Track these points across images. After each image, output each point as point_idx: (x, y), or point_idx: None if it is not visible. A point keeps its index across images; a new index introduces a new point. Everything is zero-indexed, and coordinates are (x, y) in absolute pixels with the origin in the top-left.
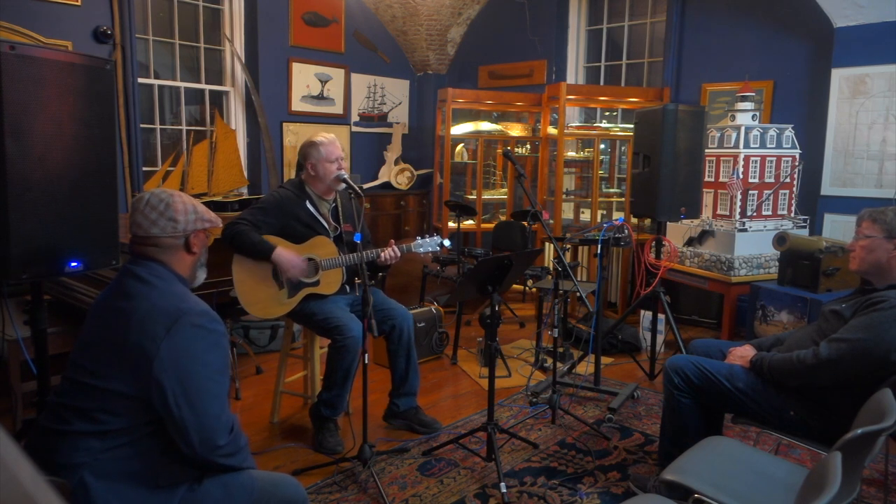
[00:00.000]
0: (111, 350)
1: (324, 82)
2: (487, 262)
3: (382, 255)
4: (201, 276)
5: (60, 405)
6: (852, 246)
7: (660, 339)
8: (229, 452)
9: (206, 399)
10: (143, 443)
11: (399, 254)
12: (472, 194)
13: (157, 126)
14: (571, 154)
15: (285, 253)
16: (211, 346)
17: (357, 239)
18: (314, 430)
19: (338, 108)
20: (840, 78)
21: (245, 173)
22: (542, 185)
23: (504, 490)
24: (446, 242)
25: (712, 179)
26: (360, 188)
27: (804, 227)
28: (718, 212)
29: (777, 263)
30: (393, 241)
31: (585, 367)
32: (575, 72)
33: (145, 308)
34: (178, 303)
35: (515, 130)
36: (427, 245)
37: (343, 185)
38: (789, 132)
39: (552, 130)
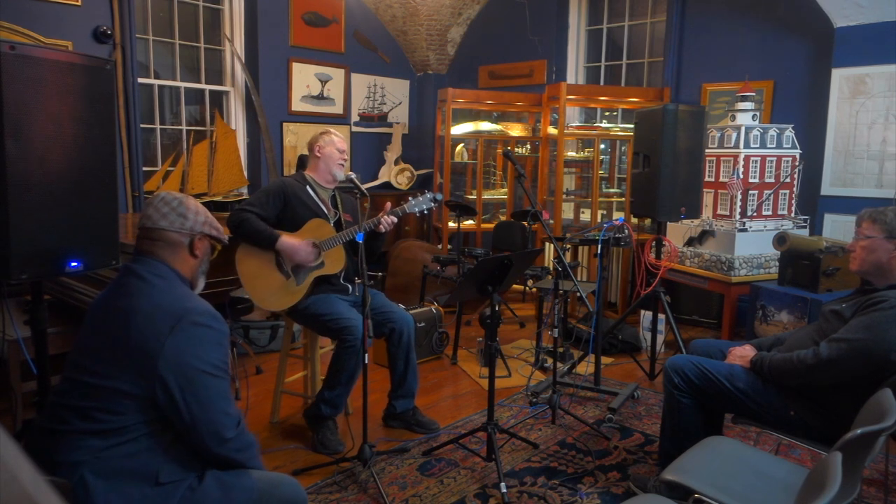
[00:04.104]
0: (113, 349)
1: (324, 82)
2: (487, 262)
3: (381, 225)
4: (200, 284)
5: (60, 405)
6: (852, 246)
7: (660, 339)
8: (239, 447)
9: (213, 395)
10: (143, 441)
11: (395, 219)
12: (472, 194)
13: (157, 126)
14: (571, 154)
15: (289, 240)
16: (214, 344)
17: (359, 238)
18: (313, 431)
19: (338, 108)
20: (840, 78)
21: (245, 173)
22: (542, 185)
23: (504, 490)
24: (439, 196)
25: (712, 179)
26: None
27: (804, 227)
28: (718, 212)
29: (777, 263)
30: (389, 203)
31: (585, 367)
32: (575, 72)
33: (148, 306)
34: (181, 301)
35: (515, 130)
36: (420, 203)
37: (342, 176)
38: (789, 132)
39: (552, 130)
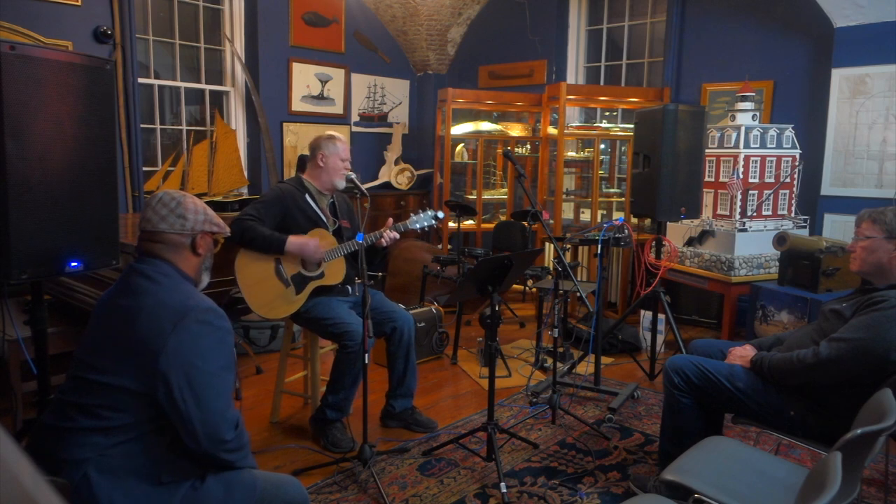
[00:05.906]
0: (117, 346)
1: (324, 82)
2: (487, 262)
3: (383, 239)
4: (205, 280)
5: (65, 402)
6: (853, 247)
7: (660, 339)
8: (234, 448)
9: (212, 394)
10: (147, 439)
11: (398, 234)
12: (472, 194)
13: (157, 126)
14: (571, 154)
15: (297, 239)
16: (217, 342)
17: (359, 239)
18: (320, 434)
19: (338, 108)
20: (840, 78)
21: (245, 173)
22: (542, 185)
23: (504, 490)
24: (440, 214)
25: (712, 179)
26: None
27: (804, 227)
28: (718, 212)
29: (777, 263)
30: (391, 219)
31: (585, 367)
32: (575, 72)
33: (152, 304)
34: (184, 299)
35: (515, 130)
36: (422, 220)
37: (343, 185)
38: (789, 132)
39: (552, 130)
